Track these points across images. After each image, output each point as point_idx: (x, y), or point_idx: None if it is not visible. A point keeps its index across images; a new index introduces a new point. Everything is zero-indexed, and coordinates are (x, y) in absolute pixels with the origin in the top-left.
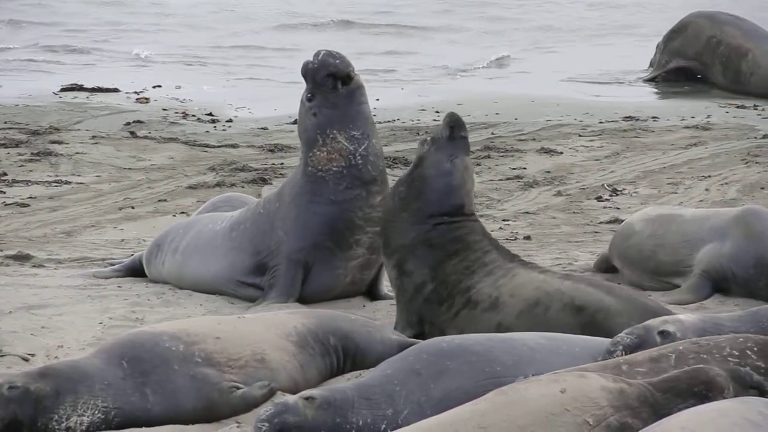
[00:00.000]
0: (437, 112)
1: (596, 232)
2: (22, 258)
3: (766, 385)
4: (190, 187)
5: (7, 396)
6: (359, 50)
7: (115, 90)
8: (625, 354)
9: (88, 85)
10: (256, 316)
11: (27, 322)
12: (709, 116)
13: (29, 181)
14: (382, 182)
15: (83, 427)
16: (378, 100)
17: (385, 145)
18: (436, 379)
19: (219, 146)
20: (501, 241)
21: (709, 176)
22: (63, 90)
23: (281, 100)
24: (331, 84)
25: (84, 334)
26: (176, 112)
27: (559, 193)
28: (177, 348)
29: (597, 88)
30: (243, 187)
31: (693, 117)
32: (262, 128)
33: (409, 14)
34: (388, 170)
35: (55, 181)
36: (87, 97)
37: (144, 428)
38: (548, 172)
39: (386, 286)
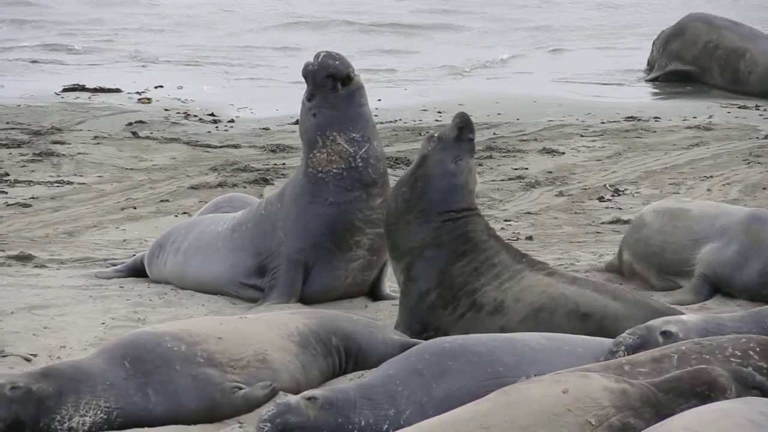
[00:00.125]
0: (439, 112)
1: (598, 233)
2: (24, 258)
3: None
4: (192, 188)
5: (10, 396)
6: (361, 50)
7: (117, 90)
8: (628, 354)
9: (90, 85)
10: (258, 316)
11: (29, 322)
12: (711, 116)
13: (31, 181)
14: (383, 185)
15: (85, 428)
16: (380, 100)
17: (387, 146)
18: (438, 380)
19: (221, 146)
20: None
21: (711, 176)
22: (65, 90)
23: (283, 100)
24: (330, 85)
25: (86, 334)
26: (178, 113)
27: (560, 194)
28: (179, 348)
29: (599, 88)
30: (245, 187)
31: (695, 117)
32: (264, 128)
33: (410, 14)
34: (390, 170)
35: (57, 182)
36: (89, 98)
37: (146, 428)
38: (550, 172)
39: (389, 286)
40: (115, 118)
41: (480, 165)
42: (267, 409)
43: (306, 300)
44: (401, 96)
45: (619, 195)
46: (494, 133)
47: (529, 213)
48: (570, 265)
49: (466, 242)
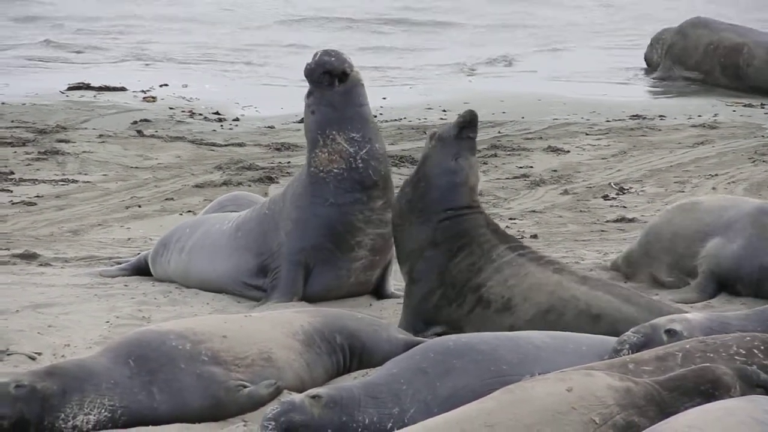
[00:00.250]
0: (444, 110)
1: (603, 231)
2: (28, 257)
3: None
4: (196, 186)
5: (14, 395)
6: (366, 48)
7: (122, 89)
8: (632, 352)
9: (95, 83)
10: (263, 314)
11: (34, 320)
12: (716, 115)
13: (36, 179)
14: (384, 187)
15: (90, 426)
16: (385, 98)
17: (392, 144)
18: (442, 378)
19: (226, 145)
20: None
21: (717, 175)
22: (70, 89)
23: (288, 98)
24: (327, 81)
25: (91, 332)
26: (183, 111)
27: (565, 192)
28: (184, 347)
29: (604, 86)
30: (250, 185)
31: (700, 115)
32: (268, 127)
33: (415, 12)
34: (394, 169)
35: (61, 180)
36: (94, 96)
37: (150, 427)
38: (555, 170)
39: (393, 284)
40: (120, 116)
41: (485, 163)
42: (271, 408)
43: (309, 299)
44: (406, 94)
45: (624, 193)
46: (499, 132)
47: (534, 211)
48: (575, 264)
49: (461, 238)
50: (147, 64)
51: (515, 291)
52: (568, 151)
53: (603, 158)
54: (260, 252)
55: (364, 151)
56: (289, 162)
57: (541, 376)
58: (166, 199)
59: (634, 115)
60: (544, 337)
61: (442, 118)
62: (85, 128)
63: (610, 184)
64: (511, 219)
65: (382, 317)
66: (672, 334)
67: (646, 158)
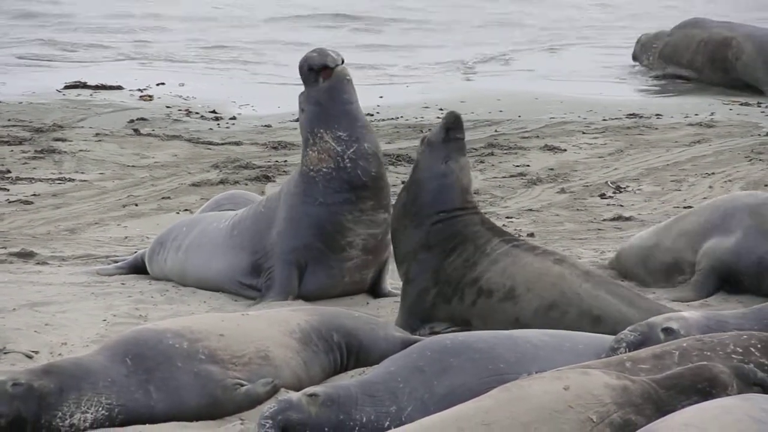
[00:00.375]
0: (441, 109)
1: (600, 230)
2: (25, 255)
3: None
4: (193, 185)
5: (11, 393)
6: (363, 46)
7: (119, 87)
8: (629, 351)
9: (91, 82)
10: (260, 313)
11: (31, 319)
12: (712, 113)
13: (33, 178)
14: (375, 187)
15: (87, 424)
16: (381, 97)
17: (389, 143)
18: (439, 376)
19: (222, 144)
20: None
21: (713, 173)
22: (67, 87)
23: (285, 97)
24: (313, 78)
25: (88, 331)
26: (180, 110)
27: (562, 191)
28: (180, 345)
29: (600, 85)
30: (246, 184)
31: (697, 114)
32: (265, 125)
33: (412, 11)
34: (391, 168)
35: (58, 179)
36: (91, 95)
37: (147, 425)
38: (552, 169)
39: (390, 283)
40: (116, 115)
41: (481, 162)
42: (268, 406)
43: (304, 299)
44: (403, 93)
45: (620, 192)
46: (496, 131)
47: (530, 210)
48: None
49: (453, 239)
50: (144, 63)
51: (517, 280)
52: (565, 150)
53: (600, 157)
54: (254, 251)
55: (351, 150)
56: (285, 161)
57: (538, 375)
58: (163, 198)
59: (630, 114)
60: (542, 336)
61: (438, 117)
62: (82, 127)
63: (606, 182)
64: (508, 218)
65: (379, 316)
66: (669, 332)
67: (642, 157)
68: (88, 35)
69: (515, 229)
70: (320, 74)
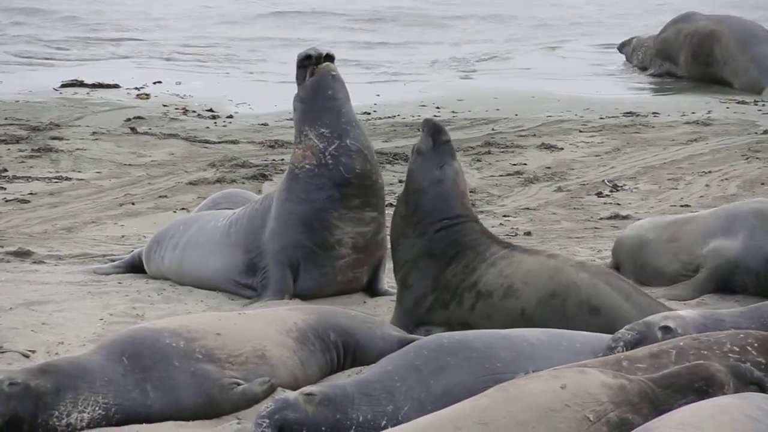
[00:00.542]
0: (438, 108)
1: (596, 228)
2: (22, 254)
3: (766, 381)
4: (190, 183)
5: (8, 392)
6: (359, 44)
7: (116, 86)
8: (626, 350)
9: (88, 81)
10: (257, 312)
11: (27, 318)
12: (709, 112)
13: (29, 177)
14: (360, 185)
15: (84, 424)
16: (378, 95)
17: (385, 141)
18: (436, 375)
19: (219, 142)
20: (501, 237)
21: (710, 172)
22: (63, 86)
23: (282, 96)
24: (302, 76)
25: (84, 330)
26: (176, 108)
27: (559, 189)
28: (177, 344)
29: (597, 83)
30: (243, 183)
31: (693, 113)
32: (262, 124)
33: (408, 9)
34: (388, 166)
35: (55, 177)
36: (87, 93)
37: (144, 424)
38: (549, 167)
39: (387, 282)
40: (113, 113)
41: (478, 160)
42: (265, 405)
43: (299, 298)
44: (400, 91)
45: (617, 190)
46: (493, 129)
47: (527, 208)
48: None
49: (456, 246)
50: (140, 62)
51: (514, 278)
52: (562, 149)
53: (597, 155)
54: (248, 249)
55: (333, 147)
56: (282, 159)
57: (535, 374)
58: (160, 197)
59: (627, 112)
60: (539, 335)
61: (435, 115)
62: (79, 125)
63: (603, 181)
64: (504, 216)
65: (376, 314)
66: (666, 331)
67: (639, 155)
68: (85, 33)
69: (512, 228)
70: (308, 71)
